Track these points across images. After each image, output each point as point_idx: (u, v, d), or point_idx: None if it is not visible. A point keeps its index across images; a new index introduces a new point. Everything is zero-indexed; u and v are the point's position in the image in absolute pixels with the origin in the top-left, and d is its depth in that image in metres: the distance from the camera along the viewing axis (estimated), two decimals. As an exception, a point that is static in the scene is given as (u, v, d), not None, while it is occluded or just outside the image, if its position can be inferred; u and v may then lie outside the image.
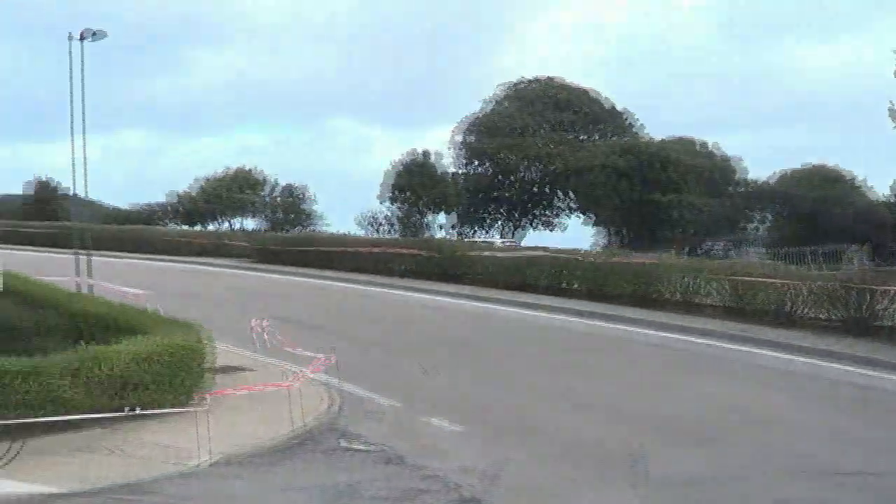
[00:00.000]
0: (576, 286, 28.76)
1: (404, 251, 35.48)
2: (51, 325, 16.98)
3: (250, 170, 65.36)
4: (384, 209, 58.36)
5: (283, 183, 65.04)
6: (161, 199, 66.60)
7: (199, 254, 46.26)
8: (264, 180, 65.16)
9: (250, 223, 63.50)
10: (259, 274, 38.08)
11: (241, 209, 62.78)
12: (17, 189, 71.91)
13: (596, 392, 15.81)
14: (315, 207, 63.51)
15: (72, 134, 24.03)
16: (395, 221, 57.39)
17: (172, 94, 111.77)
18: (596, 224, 59.26)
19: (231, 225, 63.66)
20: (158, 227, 58.64)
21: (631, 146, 57.39)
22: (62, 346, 14.09)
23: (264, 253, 42.45)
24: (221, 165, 70.34)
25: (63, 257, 42.40)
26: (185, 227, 59.77)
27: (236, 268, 40.65)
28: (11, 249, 42.25)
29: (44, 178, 70.19)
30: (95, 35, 25.38)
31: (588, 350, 20.33)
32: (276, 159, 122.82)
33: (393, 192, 58.11)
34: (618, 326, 23.40)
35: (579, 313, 25.27)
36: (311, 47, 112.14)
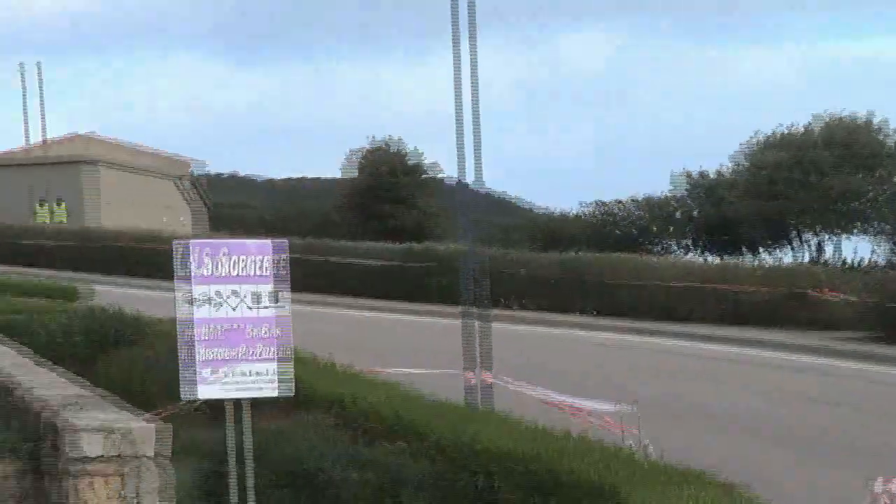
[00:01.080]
0: None
1: None
2: (408, 477, 17.24)
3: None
4: None
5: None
6: (659, 189, 68.50)
7: (745, 318, 45.70)
8: None
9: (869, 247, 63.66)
10: (868, 367, 37.24)
11: (848, 212, 62.77)
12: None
13: None
14: None
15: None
16: None
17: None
18: None
19: (831, 247, 63.65)
20: (654, 255, 59.23)
21: None
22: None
23: (887, 318, 41.16)
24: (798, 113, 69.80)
25: (427, 323, 42.62)
26: (705, 259, 60.75)
27: (817, 352, 39.96)
28: (305, 303, 40.57)
29: (392, 147, 74.89)
30: None
31: None
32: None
33: None
34: None
35: None
36: None
